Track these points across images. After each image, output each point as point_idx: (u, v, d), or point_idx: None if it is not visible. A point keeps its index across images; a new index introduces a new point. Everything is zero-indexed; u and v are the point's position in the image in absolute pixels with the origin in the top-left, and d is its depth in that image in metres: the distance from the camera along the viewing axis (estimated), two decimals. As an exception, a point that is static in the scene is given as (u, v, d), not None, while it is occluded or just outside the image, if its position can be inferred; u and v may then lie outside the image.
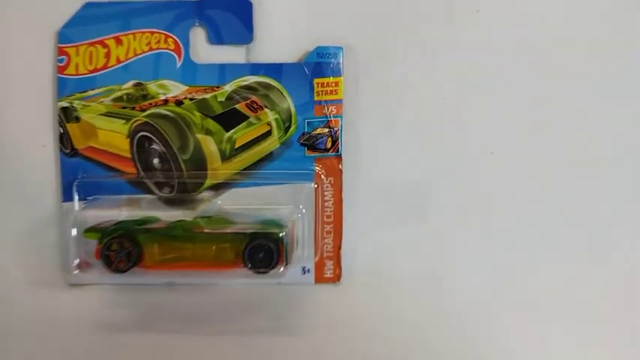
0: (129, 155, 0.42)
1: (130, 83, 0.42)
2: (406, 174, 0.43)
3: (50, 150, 0.44)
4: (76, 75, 0.43)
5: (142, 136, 0.42)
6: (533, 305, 0.43)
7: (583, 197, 0.43)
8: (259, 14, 0.42)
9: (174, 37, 0.42)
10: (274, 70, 0.42)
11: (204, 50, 0.42)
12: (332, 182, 0.42)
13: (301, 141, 0.42)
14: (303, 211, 0.42)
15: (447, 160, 0.43)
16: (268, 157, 0.42)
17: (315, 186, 0.42)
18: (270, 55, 0.42)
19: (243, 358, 0.43)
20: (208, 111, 0.42)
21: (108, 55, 0.43)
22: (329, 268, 0.43)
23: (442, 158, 0.43)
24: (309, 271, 0.42)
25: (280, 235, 0.39)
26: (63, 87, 0.43)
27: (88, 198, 0.42)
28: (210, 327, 0.43)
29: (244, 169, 0.42)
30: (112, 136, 0.42)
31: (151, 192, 0.42)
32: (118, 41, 0.43)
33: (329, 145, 0.42)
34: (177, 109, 0.41)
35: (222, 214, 0.41)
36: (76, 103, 0.43)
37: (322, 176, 0.42)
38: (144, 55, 0.42)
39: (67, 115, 0.43)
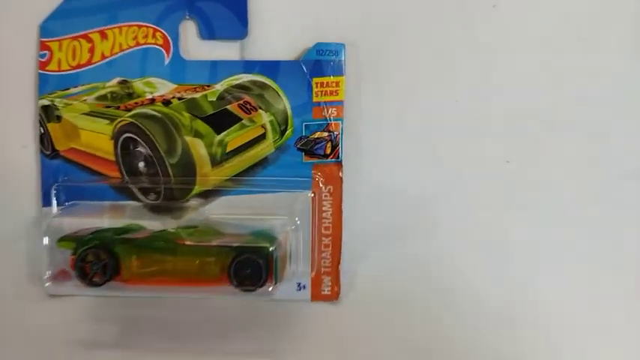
0: (113, 158, 0.40)
1: (115, 81, 0.40)
2: (413, 183, 0.41)
3: (31, 151, 0.42)
4: (59, 71, 0.41)
5: (127, 137, 0.40)
6: (549, 325, 0.41)
7: (605, 208, 0.40)
8: (255, 7, 0.40)
9: (162, 31, 0.40)
10: (270, 68, 0.40)
11: (194, 46, 0.40)
12: (331, 191, 0.40)
13: (298, 146, 0.40)
14: (298, 222, 0.39)
15: (458, 169, 0.41)
16: (262, 163, 0.40)
17: (313, 195, 0.40)
18: (265, 52, 0.40)
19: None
20: (198, 112, 0.40)
21: (92, 50, 0.41)
22: (326, 285, 0.40)
23: (453, 167, 0.41)
24: (304, 287, 0.40)
25: (270, 249, 0.37)
26: (44, 84, 0.41)
27: (66, 203, 0.40)
28: (196, 345, 0.41)
29: (236, 176, 0.40)
30: (95, 138, 0.40)
31: (135, 198, 0.40)
32: (103, 35, 0.41)
33: (328, 150, 0.40)
34: (165, 109, 0.40)
35: (210, 223, 0.39)
36: (58, 102, 0.41)
37: (320, 184, 0.40)
38: (130, 50, 0.40)
39: (47, 114, 0.41)
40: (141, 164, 0.40)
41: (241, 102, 0.40)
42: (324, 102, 0.39)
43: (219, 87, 0.40)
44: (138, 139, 0.40)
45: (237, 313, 0.41)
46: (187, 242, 0.37)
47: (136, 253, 0.37)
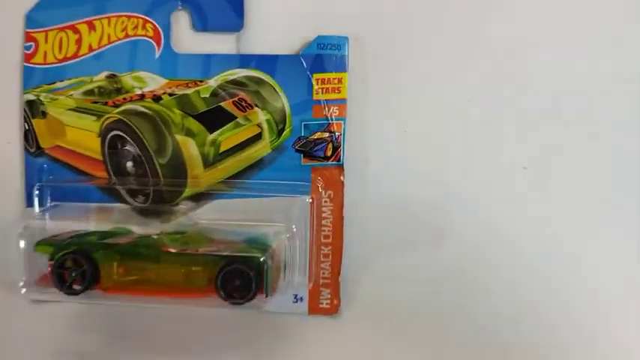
0: (100, 157, 0.39)
1: (103, 75, 0.39)
2: (420, 190, 0.39)
3: (16, 148, 0.40)
4: (44, 64, 0.39)
5: (115, 135, 0.38)
6: (565, 342, 0.39)
7: (628, 218, 0.38)
8: (251, -3, 0.39)
9: (153, 22, 0.39)
10: (267, 62, 0.38)
11: (187, 38, 0.39)
12: (331, 197, 0.38)
13: (297, 147, 0.38)
14: (294, 229, 0.37)
15: (471, 176, 0.39)
16: (257, 165, 0.38)
17: (311, 200, 0.38)
18: (262, 45, 0.38)
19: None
20: (190, 109, 0.38)
21: (79, 42, 0.39)
22: (325, 298, 0.39)
23: (465, 173, 0.39)
24: (301, 299, 0.38)
25: (261, 259, 0.35)
26: (29, 77, 0.39)
27: (48, 205, 0.39)
28: (184, 358, 0.40)
29: (229, 178, 0.38)
30: (82, 135, 0.39)
31: (123, 200, 0.39)
32: (91, 26, 0.40)
33: (329, 152, 0.38)
34: (155, 106, 0.38)
35: (199, 229, 0.37)
36: (43, 96, 0.39)
37: (320, 189, 0.38)
38: (119, 42, 0.39)
39: (32, 110, 0.39)
40: (129, 164, 0.38)
41: (236, 99, 0.38)
42: (326, 100, 0.38)
43: (213, 82, 0.38)
44: (126, 137, 0.38)
45: (229, 326, 0.40)
46: (171, 249, 0.35)
47: (117, 259, 0.35)
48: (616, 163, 0.38)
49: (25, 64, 0.39)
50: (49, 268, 0.35)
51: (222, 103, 0.38)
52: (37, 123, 0.39)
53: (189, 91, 0.38)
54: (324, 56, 0.37)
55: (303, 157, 0.38)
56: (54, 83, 0.39)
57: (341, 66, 0.37)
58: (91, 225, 0.38)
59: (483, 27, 0.38)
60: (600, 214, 0.38)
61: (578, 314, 0.39)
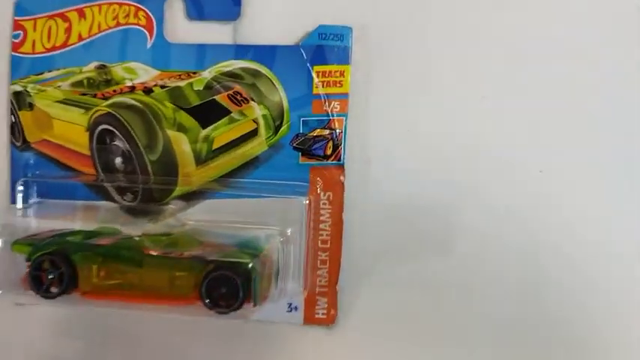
0: (87, 152, 0.37)
1: (92, 65, 0.38)
2: (427, 193, 0.37)
3: (2, 142, 0.39)
4: (32, 54, 0.38)
5: (104, 129, 0.37)
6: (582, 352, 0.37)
7: None
8: (249, -16, 0.37)
9: (145, 10, 0.37)
10: (265, 53, 0.37)
11: (181, 27, 0.37)
12: (330, 198, 0.37)
13: (294, 144, 0.37)
14: (289, 233, 0.36)
15: (482, 178, 0.37)
16: (253, 163, 0.37)
17: (309, 202, 0.36)
18: (260, 35, 0.37)
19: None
20: (182, 102, 0.37)
21: (69, 31, 0.38)
22: (321, 307, 0.37)
23: (475, 176, 0.37)
24: (296, 308, 0.37)
25: (249, 265, 0.33)
26: (17, 67, 0.38)
27: (30, 201, 0.37)
28: None
29: (222, 176, 0.37)
30: (69, 129, 0.37)
31: (110, 198, 0.37)
32: (81, 14, 0.38)
33: (329, 151, 0.36)
34: (146, 99, 0.37)
35: (188, 231, 0.36)
36: (30, 88, 0.38)
37: (319, 190, 0.37)
38: (109, 31, 0.38)
39: (19, 102, 0.38)
40: (118, 160, 0.37)
41: (231, 92, 0.37)
42: (326, 94, 0.36)
43: (207, 74, 0.37)
44: (115, 131, 0.37)
45: (218, 335, 0.38)
46: (154, 252, 0.33)
47: (97, 262, 0.33)
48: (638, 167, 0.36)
49: (13, 53, 0.38)
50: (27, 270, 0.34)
51: (216, 97, 0.37)
52: (24, 115, 0.38)
53: (181, 84, 0.37)
54: (325, 47, 0.36)
55: (301, 155, 0.36)
56: (42, 74, 0.38)
57: (343, 58, 0.36)
58: (77, 224, 0.37)
59: (497, 20, 0.37)
60: (618, 221, 0.36)
61: (592, 324, 0.37)
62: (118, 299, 0.33)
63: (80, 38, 0.37)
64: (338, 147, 0.36)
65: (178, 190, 0.37)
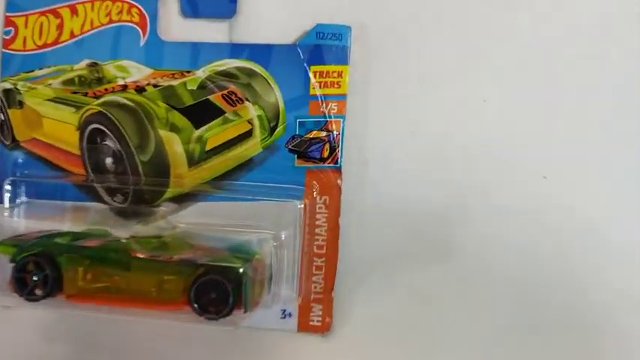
0: (78, 152, 0.37)
1: (84, 63, 0.37)
2: (426, 198, 0.36)
3: None
4: (24, 51, 0.38)
5: (94, 128, 0.36)
6: None
7: None
8: (246, -19, 0.37)
9: (139, 6, 0.37)
10: (261, 52, 0.36)
11: (175, 25, 0.37)
12: (327, 202, 0.36)
13: (290, 146, 0.36)
14: (283, 237, 0.35)
15: (484, 183, 0.36)
16: (247, 165, 0.36)
17: (302, 206, 0.36)
18: (256, 34, 0.36)
19: None
20: (175, 102, 0.36)
21: (60, 28, 0.38)
22: (316, 315, 0.36)
23: (477, 179, 0.36)
24: (290, 315, 0.36)
25: (240, 270, 0.32)
26: (7, 65, 0.38)
27: (17, 201, 0.37)
28: None
29: (215, 179, 0.36)
30: (60, 128, 0.37)
31: (100, 199, 0.37)
32: (73, 10, 0.37)
33: (326, 153, 0.36)
34: (138, 98, 0.36)
35: (179, 234, 0.35)
36: (21, 85, 0.38)
37: (315, 194, 0.36)
38: (102, 28, 0.37)
39: (9, 100, 0.38)
40: (108, 160, 0.37)
41: (225, 92, 0.36)
42: (324, 95, 0.36)
43: (201, 74, 0.37)
44: (106, 131, 0.36)
45: (209, 341, 0.37)
46: (141, 255, 0.33)
47: (84, 264, 0.32)
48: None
49: (4, 50, 0.37)
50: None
51: (210, 97, 0.36)
52: (14, 114, 0.37)
53: (175, 83, 0.36)
54: (323, 47, 0.35)
55: (297, 157, 0.36)
56: (33, 71, 0.37)
57: (342, 58, 0.35)
58: (65, 225, 0.36)
59: (504, 17, 0.36)
60: (625, 228, 0.36)
61: (596, 331, 0.36)
62: (105, 303, 0.32)
63: (72, 35, 0.37)
64: (335, 149, 0.36)
65: (170, 192, 0.36)
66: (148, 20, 0.36)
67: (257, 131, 0.36)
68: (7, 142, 0.38)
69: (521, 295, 0.36)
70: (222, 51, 0.36)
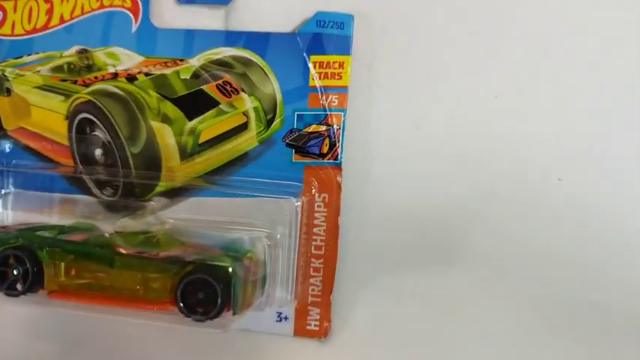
0: (66, 142, 0.36)
1: (74, 49, 0.37)
2: (431, 197, 0.35)
3: None
4: (12, 36, 0.37)
5: (84, 118, 0.36)
6: None
7: None
8: (244, -35, 0.36)
9: None
10: (257, 40, 0.35)
11: (169, 10, 0.36)
12: (326, 200, 0.35)
13: (288, 140, 0.35)
14: (278, 236, 0.35)
15: (494, 185, 0.35)
16: (241, 159, 0.36)
17: (301, 203, 0.35)
18: (253, 21, 0.36)
19: None
20: (168, 91, 0.35)
21: (50, 12, 0.37)
22: (314, 318, 0.36)
23: (486, 180, 0.35)
24: (286, 318, 0.36)
25: (229, 269, 0.31)
26: None
27: (3, 191, 0.37)
28: None
29: (208, 173, 0.36)
30: (48, 116, 0.36)
31: (89, 192, 0.36)
32: None
33: (325, 149, 0.35)
34: (129, 87, 0.35)
35: (168, 229, 0.34)
36: (9, 72, 0.37)
37: (313, 191, 0.35)
38: (93, 13, 0.36)
39: None
40: (98, 151, 0.36)
41: (220, 82, 0.35)
42: (324, 87, 0.35)
43: (195, 62, 0.36)
44: (95, 120, 0.35)
45: (200, 344, 0.37)
46: (125, 251, 0.32)
47: (66, 259, 0.32)
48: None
49: None
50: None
51: (203, 87, 0.35)
52: (1, 101, 0.37)
53: (167, 72, 0.35)
54: (323, 36, 0.34)
55: (295, 152, 0.35)
56: (21, 57, 0.37)
57: (343, 48, 0.34)
58: (52, 218, 0.36)
59: (515, 11, 0.35)
60: (638, 229, 0.35)
61: (608, 339, 0.35)
62: (88, 300, 0.32)
63: (62, 20, 0.36)
64: (335, 145, 0.35)
65: (161, 186, 0.35)
66: (140, 5, 0.36)
67: (253, 124, 0.35)
68: (-6, 131, 0.38)
69: (528, 300, 0.35)
70: (218, 39, 0.35)
